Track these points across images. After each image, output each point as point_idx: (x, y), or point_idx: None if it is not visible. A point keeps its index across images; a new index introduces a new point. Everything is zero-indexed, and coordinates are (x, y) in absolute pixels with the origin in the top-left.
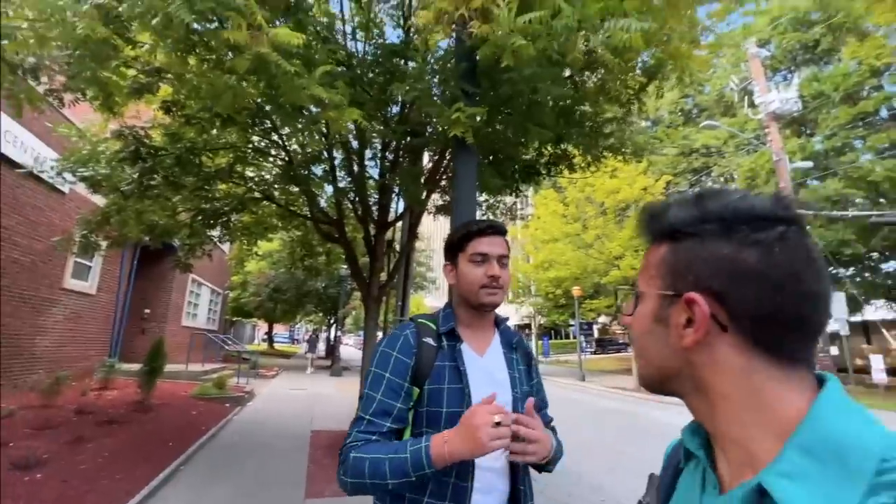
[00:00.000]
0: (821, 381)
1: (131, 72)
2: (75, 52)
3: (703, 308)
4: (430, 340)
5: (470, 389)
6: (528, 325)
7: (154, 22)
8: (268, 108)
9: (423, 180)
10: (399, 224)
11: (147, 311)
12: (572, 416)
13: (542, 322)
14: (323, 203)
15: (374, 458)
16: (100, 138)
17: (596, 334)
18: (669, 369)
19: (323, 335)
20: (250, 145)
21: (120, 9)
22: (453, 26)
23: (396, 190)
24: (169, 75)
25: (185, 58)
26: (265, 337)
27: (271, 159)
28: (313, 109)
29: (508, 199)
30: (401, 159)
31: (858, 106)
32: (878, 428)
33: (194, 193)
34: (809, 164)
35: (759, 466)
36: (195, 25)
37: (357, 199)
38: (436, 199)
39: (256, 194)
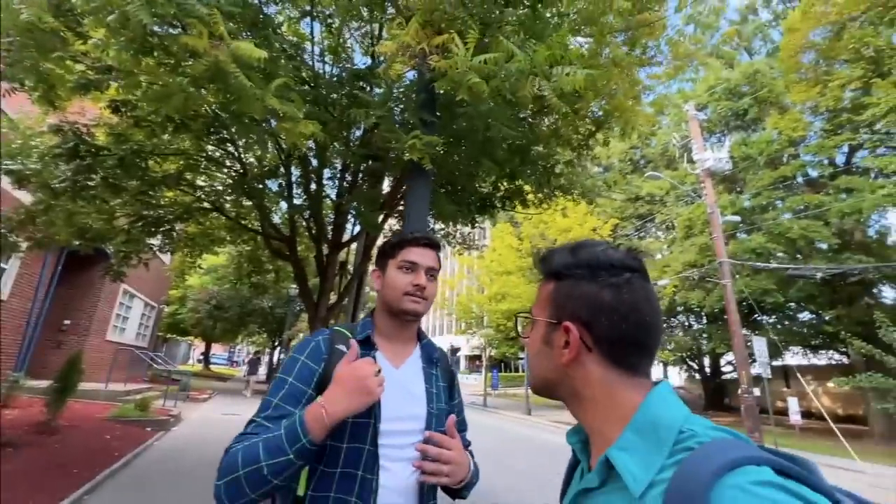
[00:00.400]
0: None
1: (79, 66)
2: (17, 40)
3: (575, 333)
4: (343, 348)
5: (380, 400)
6: (478, 357)
7: (110, 19)
8: (224, 116)
9: (381, 204)
10: (354, 245)
11: (67, 321)
12: (519, 448)
13: (492, 354)
14: (276, 219)
15: (247, 445)
16: (34, 132)
17: None
18: (553, 380)
19: (266, 358)
20: (203, 153)
21: (73, 0)
22: (415, 59)
23: (353, 211)
24: (120, 74)
25: (139, 58)
26: (201, 357)
27: (225, 170)
28: (273, 122)
29: (465, 230)
30: (360, 182)
31: (779, 170)
32: (681, 411)
33: (136, 198)
34: (738, 218)
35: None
36: (154, 27)
37: (312, 217)
38: (392, 223)
39: (206, 204)
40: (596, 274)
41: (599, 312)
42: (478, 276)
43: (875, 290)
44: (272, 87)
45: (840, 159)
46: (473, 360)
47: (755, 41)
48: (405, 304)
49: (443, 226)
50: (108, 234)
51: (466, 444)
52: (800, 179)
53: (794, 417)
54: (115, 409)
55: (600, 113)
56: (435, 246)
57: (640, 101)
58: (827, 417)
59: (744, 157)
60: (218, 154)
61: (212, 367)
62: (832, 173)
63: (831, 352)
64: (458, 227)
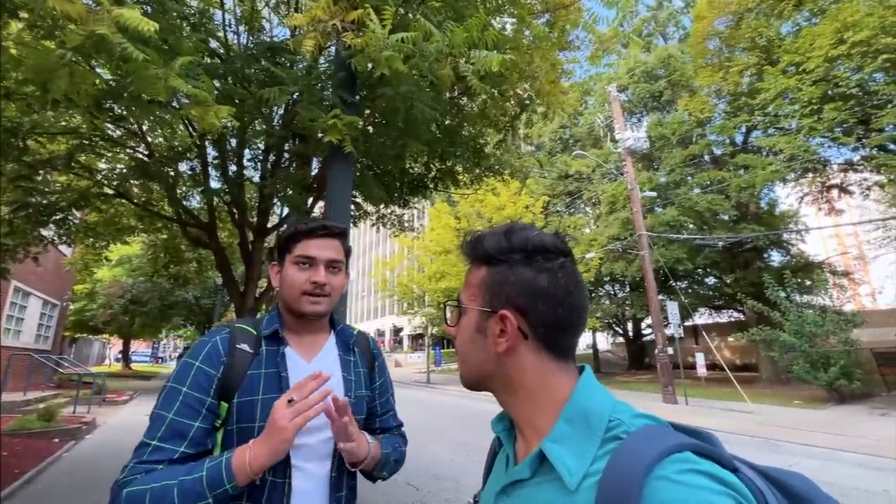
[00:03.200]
0: (580, 370)
1: None
2: None
3: (513, 321)
4: (245, 347)
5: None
6: (421, 335)
7: None
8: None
9: (309, 185)
10: (282, 230)
11: None
12: (455, 421)
13: (434, 332)
14: (194, 203)
15: (158, 486)
16: None
17: None
18: (487, 371)
19: None
20: (98, 133)
21: None
22: (329, 34)
23: (279, 194)
24: None
25: None
26: (119, 356)
27: (129, 150)
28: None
29: (400, 211)
30: (286, 163)
31: (689, 149)
32: (609, 399)
33: (15, 184)
34: (654, 193)
35: (543, 438)
36: None
37: (233, 202)
38: (322, 206)
39: (107, 189)
40: (532, 259)
41: (536, 298)
42: (417, 256)
43: (765, 255)
44: (176, 65)
45: (739, 139)
46: (416, 339)
47: (669, 27)
48: (304, 305)
49: (375, 208)
50: None
51: (397, 426)
52: (706, 157)
53: (701, 371)
54: (13, 422)
55: (525, 95)
56: (337, 234)
57: (560, 85)
58: (726, 368)
59: (659, 137)
60: (118, 133)
61: (133, 365)
62: (732, 151)
63: (731, 311)
64: (392, 208)
